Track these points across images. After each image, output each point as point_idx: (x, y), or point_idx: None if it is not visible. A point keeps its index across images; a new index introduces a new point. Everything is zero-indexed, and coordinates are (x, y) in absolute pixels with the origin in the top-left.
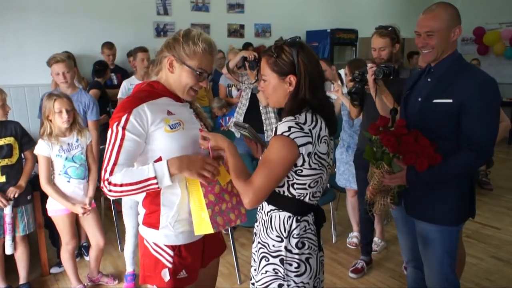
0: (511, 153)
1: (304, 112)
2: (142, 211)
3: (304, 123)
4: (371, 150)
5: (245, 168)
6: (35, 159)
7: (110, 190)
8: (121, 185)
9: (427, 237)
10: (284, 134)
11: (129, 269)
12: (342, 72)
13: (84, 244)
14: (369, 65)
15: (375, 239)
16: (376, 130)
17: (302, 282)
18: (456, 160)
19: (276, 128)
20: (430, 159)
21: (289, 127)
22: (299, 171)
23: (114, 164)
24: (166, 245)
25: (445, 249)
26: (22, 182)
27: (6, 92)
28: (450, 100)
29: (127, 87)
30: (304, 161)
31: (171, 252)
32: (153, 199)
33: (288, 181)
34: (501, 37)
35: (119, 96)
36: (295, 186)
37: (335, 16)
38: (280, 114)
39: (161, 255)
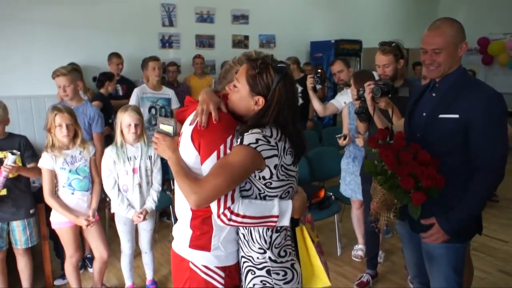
0: None
1: (269, 126)
2: (187, 233)
3: (271, 136)
4: (372, 163)
5: (192, 171)
6: (37, 172)
7: (230, 219)
8: (244, 217)
9: (433, 253)
10: (251, 145)
11: (128, 283)
12: None
13: (88, 255)
14: (366, 83)
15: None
16: (375, 143)
17: None
18: (476, 188)
19: (242, 138)
20: (433, 181)
21: (257, 139)
22: (269, 183)
23: (233, 191)
24: (217, 267)
25: (451, 266)
26: (19, 169)
27: (13, 103)
28: (457, 116)
29: (140, 95)
30: (272, 174)
31: (222, 274)
32: (204, 220)
33: (260, 194)
34: (506, 47)
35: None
36: (267, 198)
37: (339, 27)
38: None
39: (212, 277)
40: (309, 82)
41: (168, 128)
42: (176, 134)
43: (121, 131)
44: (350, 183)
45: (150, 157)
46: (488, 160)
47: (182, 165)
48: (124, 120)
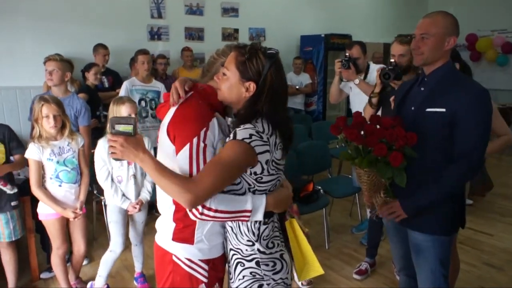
0: (503, 159)
1: (260, 120)
2: (170, 226)
3: (263, 132)
4: (345, 152)
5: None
6: (24, 164)
7: (202, 213)
8: (216, 211)
9: (420, 246)
10: (245, 140)
11: (103, 282)
12: (371, 64)
13: None
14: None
15: None
16: (337, 129)
17: (280, 278)
18: (447, 177)
19: (235, 132)
20: (404, 139)
21: (250, 135)
22: (259, 178)
23: None
24: (201, 260)
25: (438, 258)
26: (3, 168)
27: None
28: (443, 109)
29: (129, 87)
30: (263, 169)
31: (205, 266)
32: (187, 212)
33: (249, 189)
34: (493, 44)
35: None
36: (257, 193)
37: (329, 21)
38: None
39: (195, 270)
40: (337, 66)
41: (127, 128)
42: (137, 132)
43: None
44: None
45: None
46: (466, 155)
47: (162, 165)
48: (124, 112)
